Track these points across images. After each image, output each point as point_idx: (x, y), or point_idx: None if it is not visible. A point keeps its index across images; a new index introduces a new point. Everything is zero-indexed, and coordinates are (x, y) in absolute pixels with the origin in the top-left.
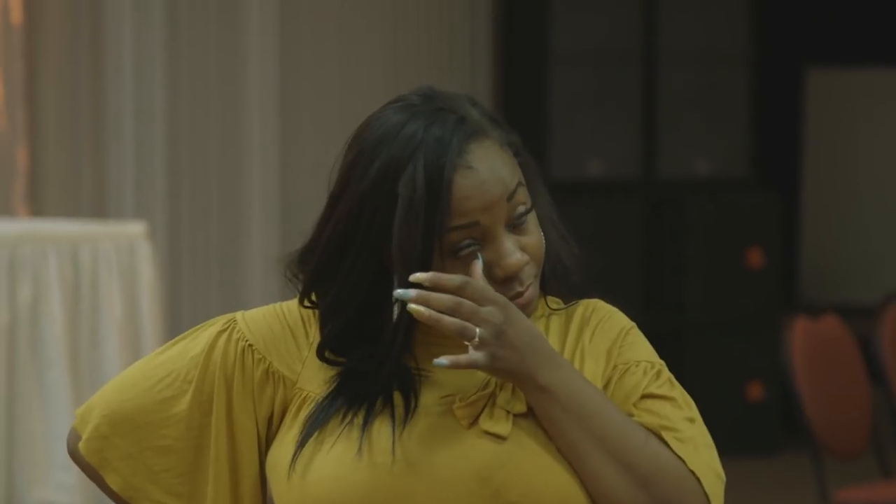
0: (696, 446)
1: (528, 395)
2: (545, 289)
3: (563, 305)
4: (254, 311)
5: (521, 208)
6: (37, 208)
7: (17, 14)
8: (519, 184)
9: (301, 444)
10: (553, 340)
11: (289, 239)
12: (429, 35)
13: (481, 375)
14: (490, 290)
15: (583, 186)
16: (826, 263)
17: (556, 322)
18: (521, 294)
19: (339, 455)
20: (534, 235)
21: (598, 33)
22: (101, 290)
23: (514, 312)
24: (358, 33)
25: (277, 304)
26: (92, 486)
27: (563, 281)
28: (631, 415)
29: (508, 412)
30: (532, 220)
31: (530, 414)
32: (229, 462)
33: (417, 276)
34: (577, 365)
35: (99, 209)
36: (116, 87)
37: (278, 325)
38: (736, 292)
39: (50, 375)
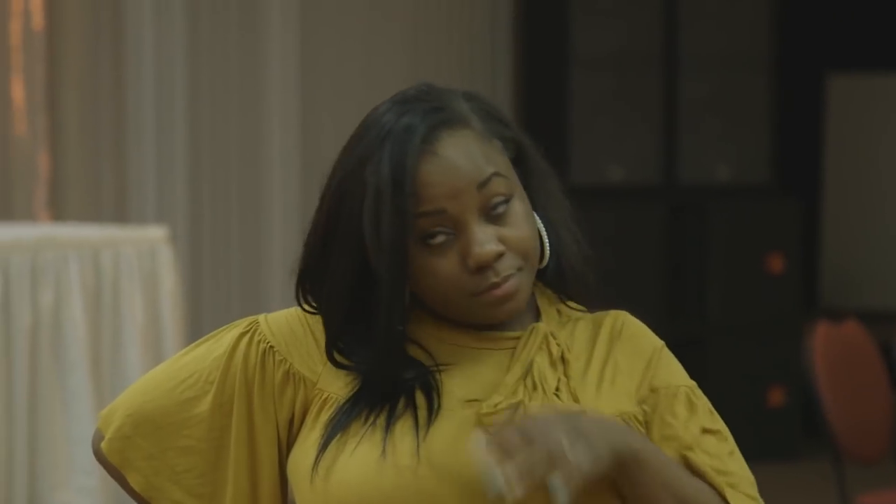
0: (746, 493)
1: (625, 467)
2: (565, 293)
3: (585, 310)
4: (277, 313)
5: (498, 199)
6: (58, 213)
7: (38, 19)
8: (495, 174)
9: (323, 447)
10: (580, 345)
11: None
12: (449, 41)
13: (508, 377)
14: (530, 413)
15: (603, 191)
16: (847, 268)
17: (582, 328)
18: (497, 285)
19: (362, 457)
20: (517, 228)
21: (619, 38)
22: (122, 295)
23: (560, 409)
24: (379, 39)
25: (299, 308)
26: (113, 489)
27: (577, 285)
28: (690, 448)
29: None
30: (517, 213)
31: None
32: (249, 463)
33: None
34: (608, 378)
35: (120, 214)
36: (137, 91)
37: (300, 326)
38: (757, 297)
39: (72, 379)
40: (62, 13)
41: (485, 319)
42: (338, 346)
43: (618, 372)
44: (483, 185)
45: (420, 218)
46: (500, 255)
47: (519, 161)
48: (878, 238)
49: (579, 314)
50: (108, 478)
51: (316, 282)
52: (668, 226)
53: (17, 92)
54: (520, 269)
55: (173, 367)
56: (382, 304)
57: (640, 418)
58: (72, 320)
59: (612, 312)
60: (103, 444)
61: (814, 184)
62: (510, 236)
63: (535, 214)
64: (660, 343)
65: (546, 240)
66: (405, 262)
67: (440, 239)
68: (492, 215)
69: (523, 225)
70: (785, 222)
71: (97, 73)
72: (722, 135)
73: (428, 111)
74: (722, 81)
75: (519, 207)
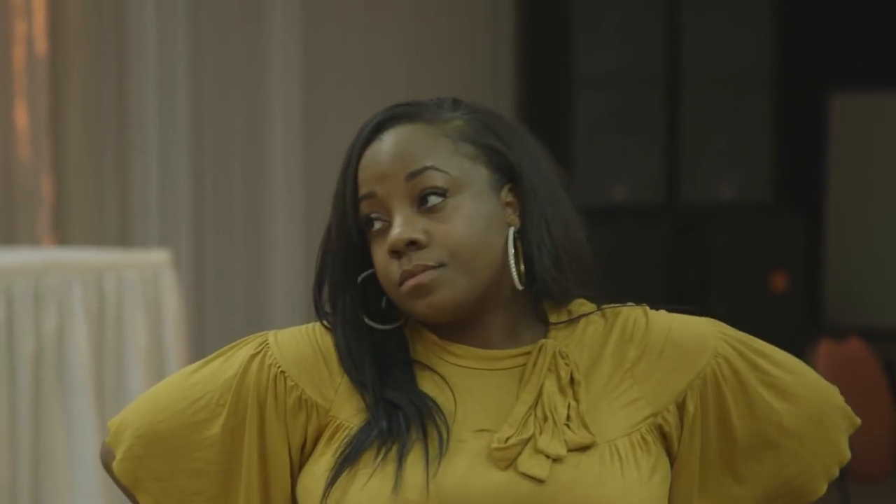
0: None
1: None
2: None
3: (594, 306)
4: (286, 332)
5: (429, 191)
6: (61, 237)
7: (41, 45)
8: (432, 167)
9: (333, 480)
10: (590, 351)
11: (314, 266)
12: (451, 61)
13: (518, 407)
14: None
15: (607, 211)
16: (850, 287)
17: (593, 329)
18: (410, 274)
19: (373, 492)
20: (448, 223)
21: (622, 57)
22: (125, 319)
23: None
24: (380, 63)
25: (310, 326)
26: None
27: (547, 285)
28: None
29: (548, 456)
30: (454, 210)
31: (570, 457)
32: (260, 488)
33: None
34: (622, 387)
35: (123, 237)
36: (140, 115)
37: (311, 350)
38: (760, 316)
39: (75, 403)
40: (65, 39)
41: (415, 315)
42: (354, 361)
43: (634, 382)
44: (414, 174)
45: (361, 202)
46: (414, 243)
47: (515, 179)
48: (881, 256)
49: (590, 308)
50: (111, 502)
51: (324, 287)
52: (671, 245)
53: (21, 117)
54: (442, 265)
55: (184, 384)
56: (338, 290)
57: (663, 423)
58: (75, 345)
59: (624, 311)
60: (115, 465)
61: (817, 202)
62: (436, 230)
63: (511, 230)
64: (668, 326)
65: (511, 259)
66: (350, 246)
67: (378, 226)
68: (423, 208)
69: (457, 222)
70: (788, 241)
71: (100, 97)
72: (725, 154)
73: (392, 108)
74: (725, 101)
75: (459, 205)
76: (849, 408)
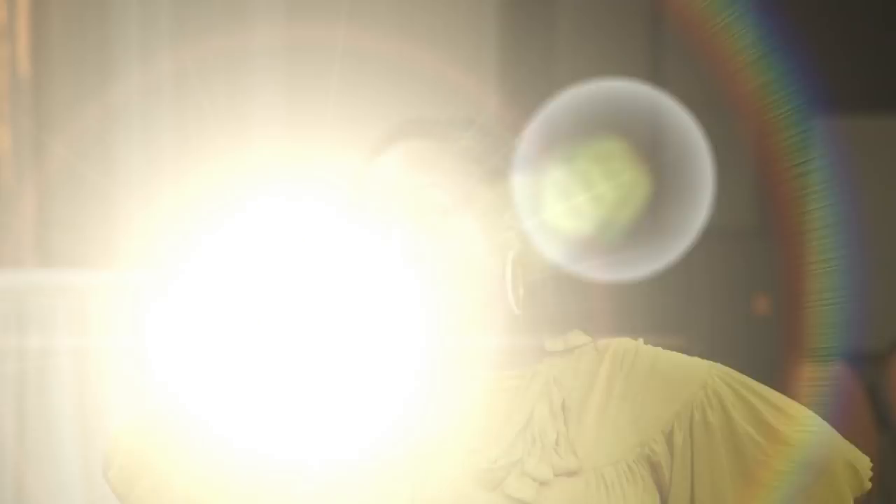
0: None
1: None
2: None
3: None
4: None
5: (431, 209)
6: (45, 260)
7: (24, 67)
8: (435, 186)
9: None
10: (582, 380)
11: None
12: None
13: (508, 429)
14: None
15: None
16: (833, 310)
17: (587, 360)
18: None
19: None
20: (447, 243)
21: (603, 78)
22: (109, 341)
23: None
24: (359, 87)
25: None
26: None
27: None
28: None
29: (534, 479)
30: (454, 229)
31: (556, 481)
32: None
33: None
34: (611, 416)
35: (107, 260)
36: (125, 137)
37: None
38: (742, 340)
39: (59, 426)
40: (49, 60)
41: None
42: None
43: (621, 411)
44: (416, 191)
45: None
46: None
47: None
48: (863, 279)
49: (585, 340)
50: None
51: None
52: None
53: (4, 139)
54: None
55: (176, 399)
56: None
57: (651, 453)
58: (58, 367)
59: (615, 343)
60: (110, 475)
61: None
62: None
63: (511, 254)
64: (656, 357)
65: (509, 283)
66: None
67: None
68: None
69: (455, 241)
70: (770, 264)
71: (84, 120)
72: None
73: (403, 123)
74: (706, 123)
75: (459, 225)
76: (864, 471)
